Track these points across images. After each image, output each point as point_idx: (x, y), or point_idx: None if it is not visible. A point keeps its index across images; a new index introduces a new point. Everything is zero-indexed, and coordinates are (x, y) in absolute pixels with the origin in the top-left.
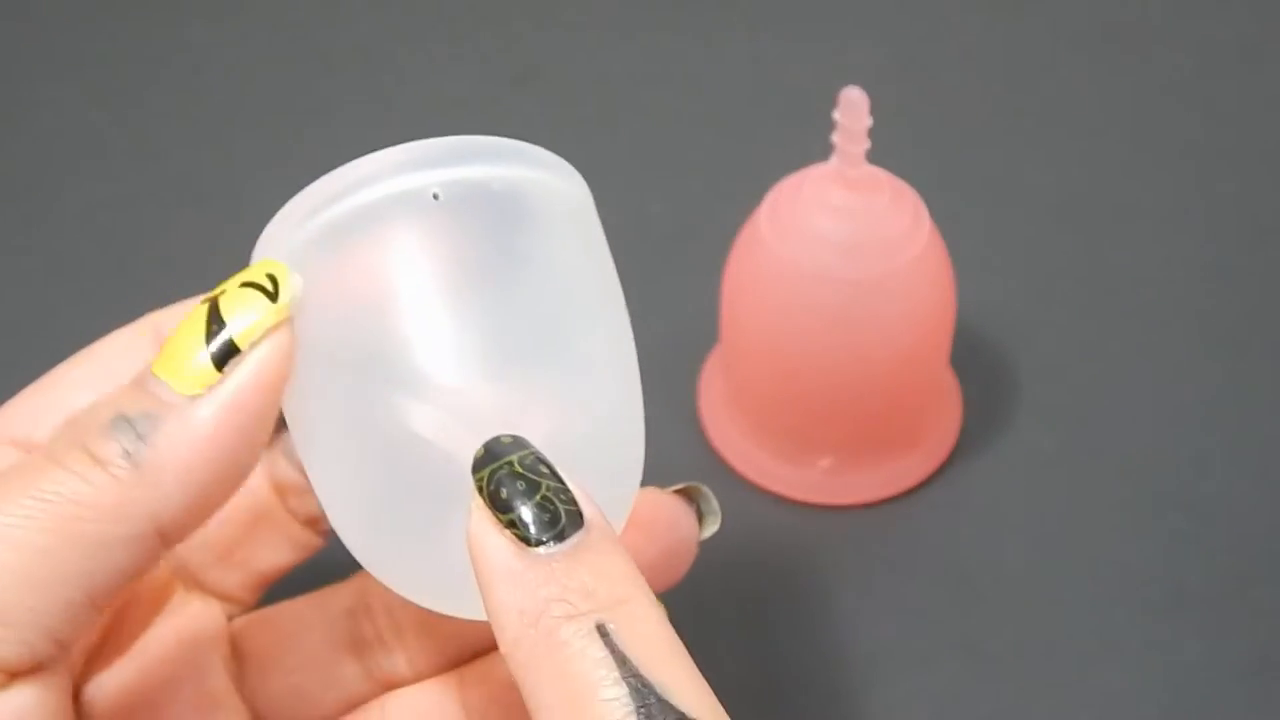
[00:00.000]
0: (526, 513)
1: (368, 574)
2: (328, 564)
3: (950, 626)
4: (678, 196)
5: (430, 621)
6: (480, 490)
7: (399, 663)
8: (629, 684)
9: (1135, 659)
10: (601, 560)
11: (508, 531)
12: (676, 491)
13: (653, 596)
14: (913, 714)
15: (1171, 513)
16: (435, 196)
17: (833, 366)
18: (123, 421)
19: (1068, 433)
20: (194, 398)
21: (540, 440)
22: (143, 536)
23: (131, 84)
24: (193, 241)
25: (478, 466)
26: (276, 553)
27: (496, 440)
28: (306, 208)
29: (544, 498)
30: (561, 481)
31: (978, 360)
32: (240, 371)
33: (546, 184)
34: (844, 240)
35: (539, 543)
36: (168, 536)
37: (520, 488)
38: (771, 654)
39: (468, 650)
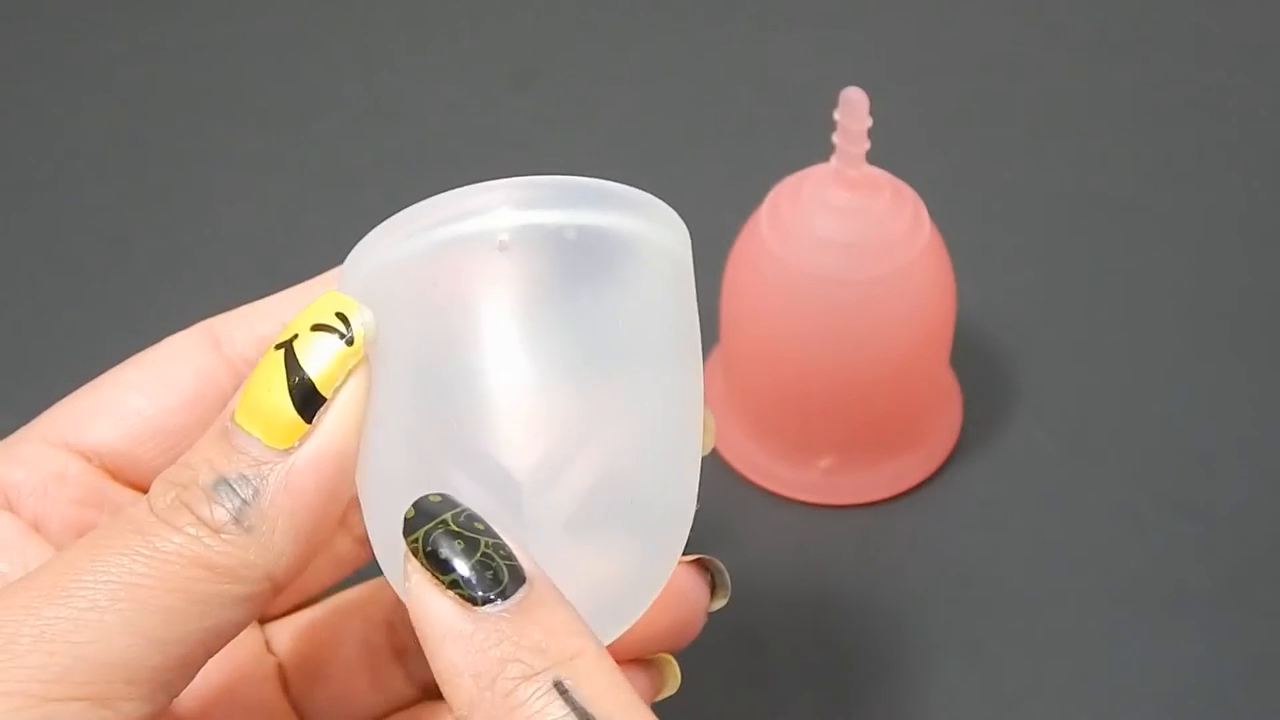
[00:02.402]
0: (468, 571)
1: None
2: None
3: (950, 626)
4: (678, 197)
5: None
6: (416, 552)
7: None
8: None
9: (1135, 659)
10: (549, 615)
11: (450, 592)
12: (691, 562)
13: (601, 646)
14: (913, 714)
15: (1171, 513)
16: (504, 243)
17: (833, 367)
18: (224, 485)
19: (1068, 433)
20: (288, 451)
21: (573, 483)
22: (260, 592)
23: (133, 85)
24: (195, 243)
25: (410, 529)
26: (321, 572)
27: (425, 499)
28: (400, 233)
29: (484, 555)
30: (498, 537)
31: (978, 360)
32: (329, 420)
33: (646, 238)
34: (844, 241)
35: (485, 601)
36: (279, 585)
37: (459, 546)
38: (771, 654)
39: None
